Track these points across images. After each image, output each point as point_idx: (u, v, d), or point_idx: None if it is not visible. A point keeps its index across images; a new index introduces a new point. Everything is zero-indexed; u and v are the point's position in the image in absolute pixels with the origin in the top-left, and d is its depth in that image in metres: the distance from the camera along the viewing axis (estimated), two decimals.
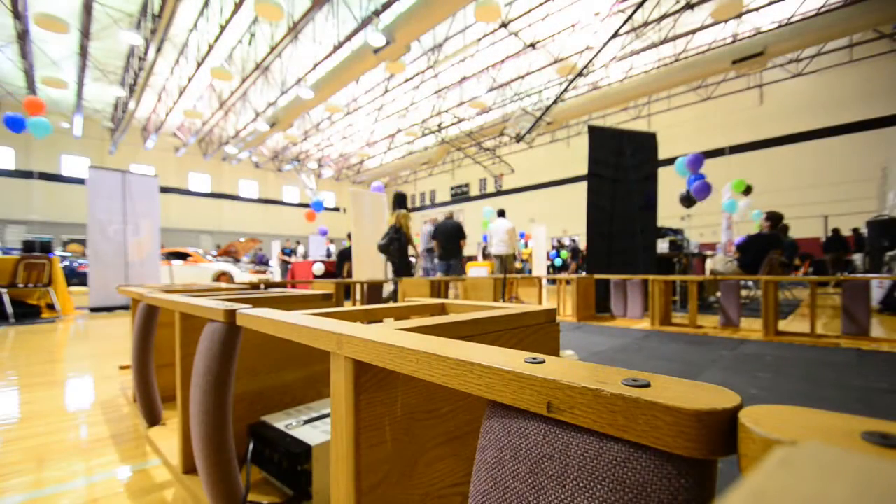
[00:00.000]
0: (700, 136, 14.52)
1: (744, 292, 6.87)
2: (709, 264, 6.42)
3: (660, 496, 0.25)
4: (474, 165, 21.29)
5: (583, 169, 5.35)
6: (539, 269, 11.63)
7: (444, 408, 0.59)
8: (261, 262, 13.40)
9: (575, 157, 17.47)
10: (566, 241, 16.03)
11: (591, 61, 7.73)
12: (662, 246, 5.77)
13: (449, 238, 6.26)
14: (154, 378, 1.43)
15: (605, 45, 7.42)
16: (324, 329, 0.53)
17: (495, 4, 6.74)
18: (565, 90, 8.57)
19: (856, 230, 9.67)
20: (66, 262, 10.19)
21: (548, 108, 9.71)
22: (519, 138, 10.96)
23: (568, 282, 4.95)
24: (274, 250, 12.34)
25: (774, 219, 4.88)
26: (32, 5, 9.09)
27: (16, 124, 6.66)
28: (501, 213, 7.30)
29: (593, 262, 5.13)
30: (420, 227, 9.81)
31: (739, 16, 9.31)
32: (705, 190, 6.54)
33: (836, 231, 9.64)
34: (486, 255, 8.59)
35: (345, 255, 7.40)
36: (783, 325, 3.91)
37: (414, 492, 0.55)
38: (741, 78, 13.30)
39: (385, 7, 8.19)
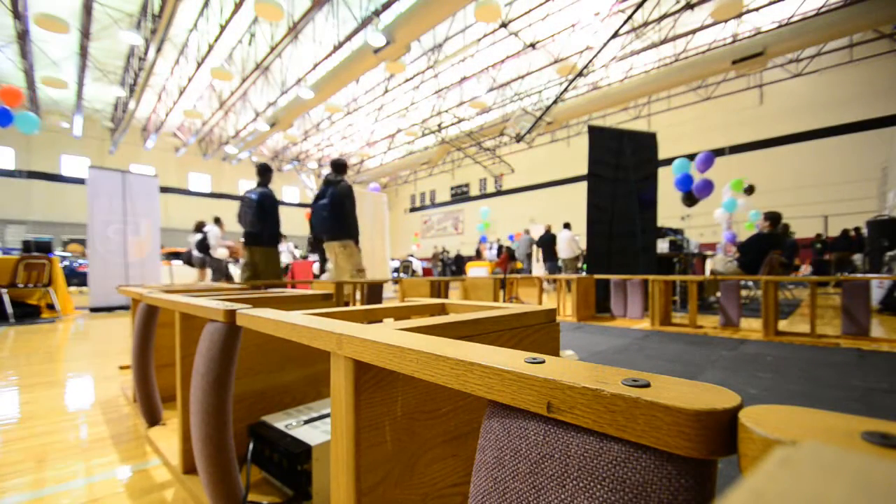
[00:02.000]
0: (700, 136, 14.52)
1: (744, 292, 6.87)
2: (709, 264, 6.43)
3: (660, 496, 0.25)
4: (474, 165, 21.29)
5: (583, 169, 5.35)
6: (539, 269, 11.63)
7: (444, 408, 0.59)
8: None
9: (575, 157, 17.46)
10: None
11: (591, 61, 7.73)
12: (662, 246, 5.77)
13: (547, 246, 9.43)
14: (154, 378, 1.43)
15: (605, 45, 7.42)
16: (324, 329, 0.53)
17: (495, 4, 6.74)
18: (565, 90, 8.57)
19: (857, 230, 9.67)
20: (66, 262, 10.19)
21: (548, 108, 9.72)
22: (519, 138, 10.96)
23: (568, 282, 4.95)
24: None
25: (773, 219, 4.87)
26: (32, 5, 9.09)
27: (2, 117, 6.54)
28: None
29: (593, 262, 5.13)
30: (522, 236, 10.81)
31: (739, 16, 9.31)
32: (708, 188, 6.57)
33: (845, 231, 9.63)
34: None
35: None
36: (783, 325, 3.91)
37: (414, 492, 0.55)
38: (741, 78, 13.29)
39: (385, 7, 8.18)
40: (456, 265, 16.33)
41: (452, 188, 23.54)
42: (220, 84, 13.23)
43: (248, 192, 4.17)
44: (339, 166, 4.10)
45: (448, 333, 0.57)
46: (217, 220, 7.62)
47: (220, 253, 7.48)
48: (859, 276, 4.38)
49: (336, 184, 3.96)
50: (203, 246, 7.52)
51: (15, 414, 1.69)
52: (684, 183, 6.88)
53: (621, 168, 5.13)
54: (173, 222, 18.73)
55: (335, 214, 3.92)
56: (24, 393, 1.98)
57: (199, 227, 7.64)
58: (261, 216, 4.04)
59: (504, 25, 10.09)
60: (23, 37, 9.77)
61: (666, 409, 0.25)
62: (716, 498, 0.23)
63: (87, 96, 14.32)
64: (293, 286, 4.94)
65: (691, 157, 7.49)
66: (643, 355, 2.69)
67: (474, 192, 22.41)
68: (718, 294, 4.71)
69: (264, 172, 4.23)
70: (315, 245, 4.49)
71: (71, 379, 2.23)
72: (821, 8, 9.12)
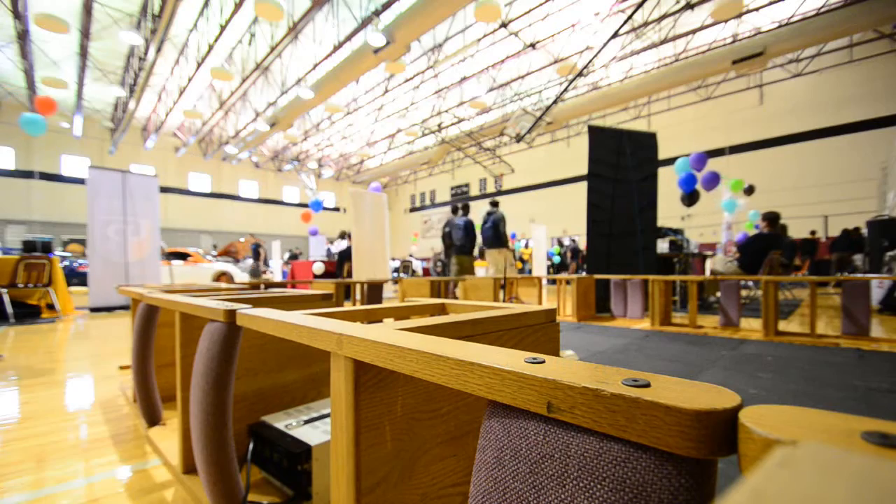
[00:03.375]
0: (700, 136, 14.52)
1: (744, 292, 6.87)
2: (709, 264, 6.42)
3: (660, 496, 0.25)
4: (474, 165, 21.30)
5: (583, 169, 5.37)
6: (539, 269, 11.64)
7: (444, 408, 0.59)
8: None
9: (575, 157, 17.47)
10: (566, 241, 16.04)
11: (591, 61, 7.73)
12: (662, 246, 5.76)
13: None
14: (154, 378, 1.43)
15: (605, 45, 7.42)
16: (324, 329, 0.53)
17: (495, 4, 6.74)
18: (565, 90, 8.57)
19: (857, 230, 9.66)
20: (66, 262, 10.19)
21: (548, 108, 9.72)
22: (519, 138, 10.96)
23: (568, 282, 4.95)
24: (274, 250, 12.36)
25: (771, 219, 4.86)
26: (32, 5, 9.09)
27: (34, 126, 6.73)
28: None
29: (593, 262, 5.13)
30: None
31: (739, 16, 9.31)
32: (714, 180, 6.57)
33: (845, 231, 9.62)
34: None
35: (345, 255, 7.40)
36: (783, 325, 3.91)
37: (414, 492, 0.55)
38: (741, 78, 13.30)
39: (385, 7, 8.19)
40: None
41: (452, 188, 23.54)
42: (220, 84, 13.23)
43: (455, 219, 6.56)
44: (495, 202, 6.47)
45: (448, 333, 0.57)
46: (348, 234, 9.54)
47: None
48: (859, 276, 4.38)
49: (494, 213, 6.24)
50: (349, 254, 8.97)
51: (15, 414, 1.69)
52: (688, 182, 6.87)
53: (621, 168, 5.12)
54: (173, 222, 18.74)
55: (496, 233, 6.15)
56: (24, 393, 1.98)
57: (344, 235, 8.71)
58: (466, 234, 6.39)
59: (504, 25, 10.09)
60: (23, 37, 9.76)
61: (666, 409, 0.25)
62: (716, 498, 0.23)
63: (87, 96, 14.32)
64: (293, 286, 4.94)
65: (687, 158, 7.48)
66: (643, 355, 2.69)
67: (474, 192, 22.42)
68: (718, 294, 4.71)
69: (465, 207, 6.65)
70: (446, 252, 6.80)
71: (71, 379, 2.23)
72: (821, 8, 9.13)
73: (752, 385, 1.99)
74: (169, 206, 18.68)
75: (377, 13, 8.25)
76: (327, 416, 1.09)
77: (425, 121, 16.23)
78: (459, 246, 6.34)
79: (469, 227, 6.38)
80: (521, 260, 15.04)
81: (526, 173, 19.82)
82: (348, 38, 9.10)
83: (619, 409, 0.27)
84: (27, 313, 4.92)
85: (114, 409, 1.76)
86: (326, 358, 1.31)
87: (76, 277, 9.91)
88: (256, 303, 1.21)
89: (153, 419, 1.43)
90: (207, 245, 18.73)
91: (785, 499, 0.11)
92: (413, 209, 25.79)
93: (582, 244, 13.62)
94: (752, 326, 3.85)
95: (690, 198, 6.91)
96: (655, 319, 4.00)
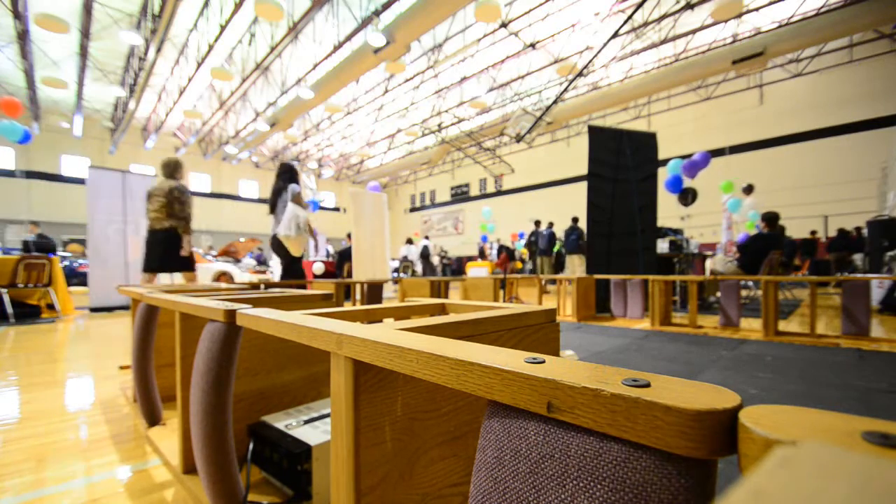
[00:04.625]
0: (700, 136, 14.51)
1: (744, 292, 6.87)
2: (709, 264, 6.43)
3: (660, 496, 0.25)
4: (474, 165, 21.28)
5: (583, 169, 5.37)
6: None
7: (445, 408, 0.59)
8: (259, 261, 13.40)
9: (575, 157, 17.46)
10: None
11: (591, 61, 7.72)
12: (662, 246, 5.76)
13: None
14: (154, 378, 1.43)
15: (605, 45, 7.41)
16: (324, 329, 0.53)
17: (495, 4, 6.73)
18: (565, 90, 8.56)
19: (858, 230, 9.65)
20: (66, 262, 10.20)
21: (548, 108, 9.71)
22: (519, 138, 10.94)
23: (568, 282, 4.95)
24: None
25: (769, 219, 4.86)
26: (32, 5, 9.09)
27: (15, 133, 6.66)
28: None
29: (593, 262, 5.13)
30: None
31: (739, 16, 9.30)
32: (695, 168, 6.56)
33: (842, 231, 9.61)
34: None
35: (345, 255, 7.40)
36: (783, 325, 3.91)
37: (414, 492, 0.55)
38: (741, 78, 13.28)
39: (385, 7, 8.18)
40: (456, 264, 16.38)
41: (452, 188, 23.53)
42: (220, 84, 13.23)
43: (539, 230, 9.26)
44: (575, 219, 8.27)
45: (448, 333, 0.57)
46: (427, 237, 11.66)
47: (434, 260, 10.92)
48: (859, 276, 4.38)
49: (577, 229, 8.21)
50: (425, 254, 10.75)
51: (15, 414, 1.69)
52: (675, 185, 6.87)
53: (621, 168, 5.12)
54: None
55: (577, 243, 8.04)
56: (24, 393, 1.97)
57: (411, 241, 10.44)
58: (551, 243, 8.96)
59: (504, 25, 10.08)
60: (23, 37, 9.76)
61: (666, 409, 0.25)
62: (716, 498, 0.23)
63: (87, 96, 14.32)
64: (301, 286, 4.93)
65: (687, 157, 7.48)
66: (643, 355, 2.69)
67: (474, 192, 22.40)
68: (718, 294, 4.71)
69: (550, 224, 9.22)
70: (531, 255, 9.35)
71: (71, 379, 2.23)
72: (821, 8, 9.12)
73: (753, 385, 1.99)
74: None
75: (377, 13, 8.25)
76: (327, 416, 1.09)
77: (425, 121, 16.22)
78: (543, 249, 8.99)
79: (552, 236, 9.02)
80: (521, 260, 15.02)
81: (526, 173, 19.81)
82: (348, 38, 9.10)
83: (619, 409, 0.27)
84: (27, 313, 4.92)
85: (114, 409, 1.76)
86: (326, 358, 1.31)
87: (76, 277, 9.91)
88: (256, 303, 1.21)
89: (153, 419, 1.43)
90: (206, 245, 18.72)
91: (785, 499, 0.11)
92: (413, 209, 25.77)
93: None
94: (752, 326, 3.85)
95: (686, 197, 6.91)
96: (655, 319, 4.00)
